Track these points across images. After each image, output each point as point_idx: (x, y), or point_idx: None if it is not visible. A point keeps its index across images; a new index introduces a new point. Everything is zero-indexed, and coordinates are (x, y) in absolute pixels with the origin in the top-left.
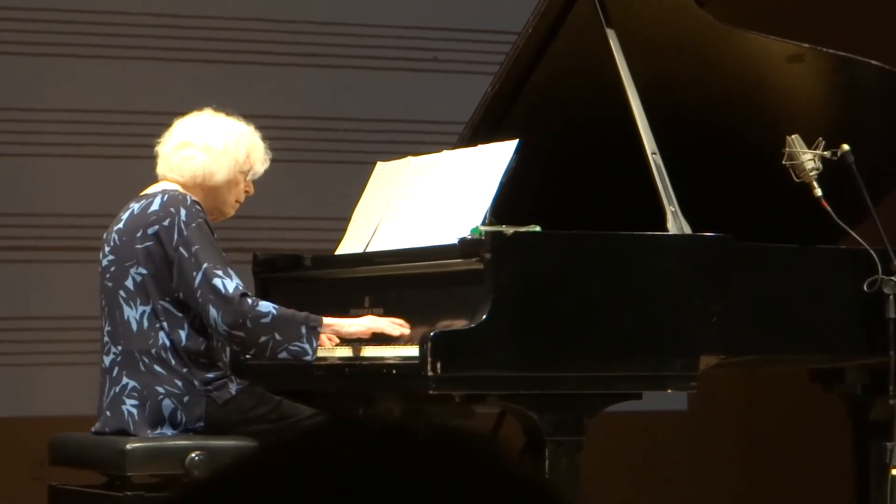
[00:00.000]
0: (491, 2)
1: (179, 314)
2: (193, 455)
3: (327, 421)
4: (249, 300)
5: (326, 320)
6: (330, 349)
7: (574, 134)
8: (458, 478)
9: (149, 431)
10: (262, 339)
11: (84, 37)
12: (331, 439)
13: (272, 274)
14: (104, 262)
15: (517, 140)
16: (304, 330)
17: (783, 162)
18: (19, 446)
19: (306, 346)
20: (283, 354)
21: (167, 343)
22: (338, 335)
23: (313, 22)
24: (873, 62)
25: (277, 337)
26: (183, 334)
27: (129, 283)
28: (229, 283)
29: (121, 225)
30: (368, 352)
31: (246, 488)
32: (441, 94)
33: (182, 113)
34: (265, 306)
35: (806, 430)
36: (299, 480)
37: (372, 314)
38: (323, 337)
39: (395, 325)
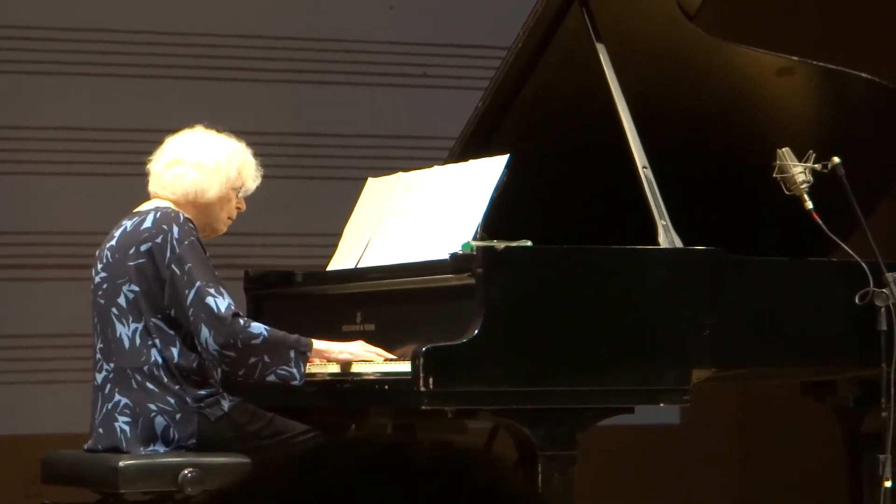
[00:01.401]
0: (481, 17)
1: (171, 332)
2: (186, 472)
3: (326, 442)
4: (241, 321)
5: (317, 344)
6: (321, 364)
7: (565, 148)
8: (456, 497)
9: (141, 448)
10: (252, 360)
11: (75, 55)
12: (330, 461)
13: (264, 290)
14: (96, 280)
15: (508, 155)
16: (293, 354)
17: (774, 175)
18: (12, 464)
19: (294, 370)
20: (272, 378)
21: (159, 360)
22: (327, 360)
23: (304, 38)
24: (862, 74)
25: (266, 359)
26: (175, 351)
27: (122, 301)
28: (221, 303)
29: (113, 242)
30: (358, 367)
31: None
32: (431, 109)
33: (174, 130)
34: (257, 328)
35: (799, 442)
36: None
37: (364, 330)
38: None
39: (382, 357)
